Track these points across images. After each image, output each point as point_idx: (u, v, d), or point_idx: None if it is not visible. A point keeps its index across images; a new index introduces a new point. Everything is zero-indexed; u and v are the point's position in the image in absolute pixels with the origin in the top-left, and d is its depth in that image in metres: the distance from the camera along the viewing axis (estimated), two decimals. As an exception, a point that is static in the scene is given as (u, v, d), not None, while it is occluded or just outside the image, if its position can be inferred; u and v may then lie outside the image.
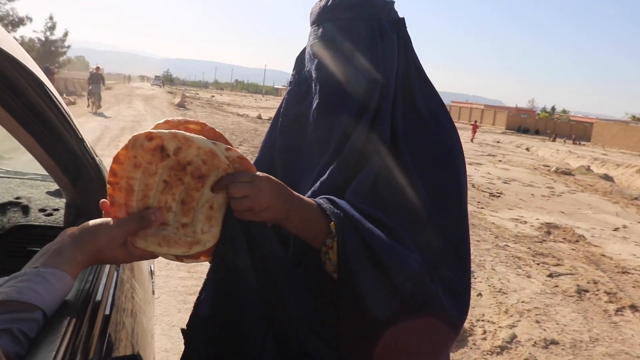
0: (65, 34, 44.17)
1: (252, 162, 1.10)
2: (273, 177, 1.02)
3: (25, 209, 1.79)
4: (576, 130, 58.32)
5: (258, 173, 0.99)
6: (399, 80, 1.22)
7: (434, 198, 1.15)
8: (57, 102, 1.33)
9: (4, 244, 1.69)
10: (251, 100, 67.88)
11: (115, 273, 1.47)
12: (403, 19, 1.26)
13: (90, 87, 23.37)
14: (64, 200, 1.82)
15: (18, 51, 1.01)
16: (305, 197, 1.06)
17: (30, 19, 37.91)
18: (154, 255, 1.02)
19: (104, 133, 15.50)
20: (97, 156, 1.71)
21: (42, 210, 1.81)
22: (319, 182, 1.16)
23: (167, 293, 4.49)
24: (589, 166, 21.76)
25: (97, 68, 26.10)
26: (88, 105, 23.44)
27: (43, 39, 41.89)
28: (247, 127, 23.55)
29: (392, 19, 1.24)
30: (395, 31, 1.23)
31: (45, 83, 1.23)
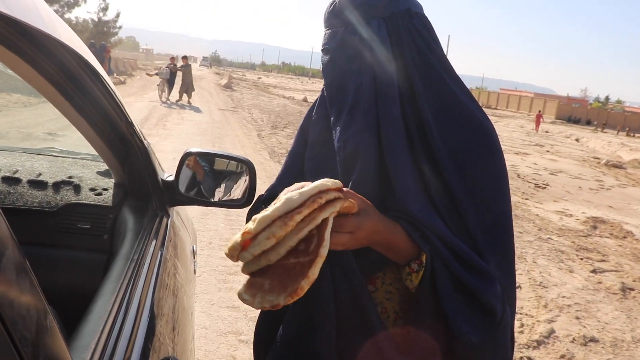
0: (117, 15, 45.12)
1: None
2: (371, 216, 1.04)
3: (77, 188, 1.88)
4: (631, 122, 56.31)
5: (360, 211, 1.03)
6: (416, 79, 1.17)
7: (473, 199, 1.14)
8: (110, 89, 1.40)
9: (57, 220, 1.78)
10: (297, 83, 67.97)
11: (159, 252, 1.53)
12: (407, 9, 1.19)
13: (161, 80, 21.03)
14: (112, 180, 1.90)
15: (75, 41, 1.07)
16: (391, 221, 1.08)
17: (85, 1, 38.85)
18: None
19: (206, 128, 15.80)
20: (145, 139, 1.78)
21: (92, 189, 1.89)
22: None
23: (208, 272, 4.60)
24: (642, 160, 21.01)
25: (185, 58, 23.02)
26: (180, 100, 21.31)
27: (96, 19, 42.92)
28: (292, 109, 23.66)
29: (389, 13, 1.18)
30: (394, 26, 1.17)
31: (100, 72, 1.30)
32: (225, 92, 31.30)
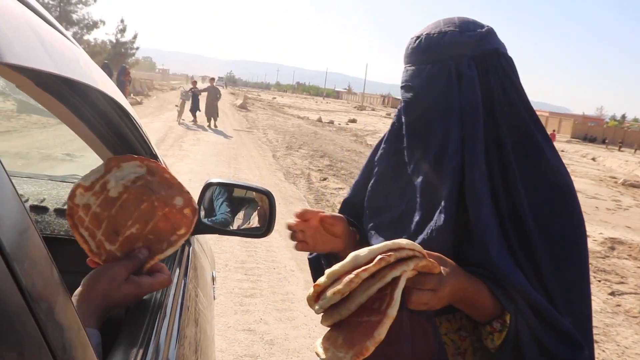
0: (135, 36, 45.85)
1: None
2: (454, 274, 1.04)
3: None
4: (649, 140, 55.75)
5: (442, 270, 1.02)
6: (501, 120, 1.14)
7: (550, 253, 1.12)
8: (137, 124, 1.46)
9: (76, 246, 1.83)
10: (312, 103, 68.43)
11: (183, 281, 1.58)
12: (495, 49, 1.16)
13: (205, 101, 20.82)
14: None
15: (109, 85, 1.14)
16: (474, 278, 1.07)
17: (104, 22, 39.61)
18: (163, 284, 1.12)
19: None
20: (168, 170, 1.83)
21: (116, 217, 1.95)
22: (420, 239, 1.14)
23: (225, 294, 4.64)
24: (660, 179, 20.79)
25: (212, 80, 23.21)
26: (205, 124, 20.72)
27: (114, 40, 43.64)
28: (307, 130, 23.80)
29: (478, 52, 1.14)
30: (482, 65, 1.14)
31: (127, 108, 1.36)
32: (241, 112, 31.60)
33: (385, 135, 1.35)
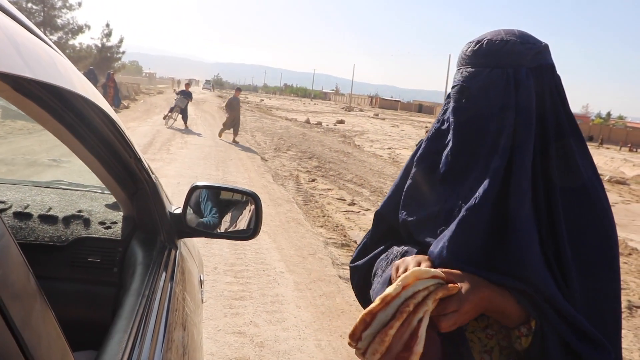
0: (121, 41, 45.61)
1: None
2: (478, 289, 1.09)
3: (87, 222, 1.92)
4: (633, 137, 56.33)
5: (462, 287, 1.08)
6: (549, 131, 1.19)
7: (584, 275, 1.15)
8: (120, 129, 1.45)
9: (68, 254, 1.82)
10: (300, 105, 68.40)
11: (169, 286, 1.57)
12: (551, 64, 1.21)
13: (175, 105, 20.04)
14: (121, 213, 1.95)
15: (89, 89, 1.12)
16: (498, 288, 1.11)
17: (89, 27, 39.33)
18: None
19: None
20: (153, 173, 1.83)
21: (101, 223, 1.94)
22: (447, 242, 1.16)
23: (214, 298, 4.62)
24: (645, 175, 20.99)
25: (188, 85, 22.56)
26: (165, 117, 20.02)
27: (100, 45, 43.38)
28: (295, 131, 23.79)
29: (535, 64, 1.19)
30: (538, 77, 1.18)
31: (108, 112, 1.35)
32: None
33: (421, 140, 1.38)
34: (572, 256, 1.14)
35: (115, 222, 1.95)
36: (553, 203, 1.15)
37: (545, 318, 1.09)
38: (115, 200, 1.94)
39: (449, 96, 1.31)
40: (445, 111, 1.30)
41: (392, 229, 1.40)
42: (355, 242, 7.13)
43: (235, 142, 17.30)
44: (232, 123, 18.29)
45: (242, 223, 2.00)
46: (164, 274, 1.58)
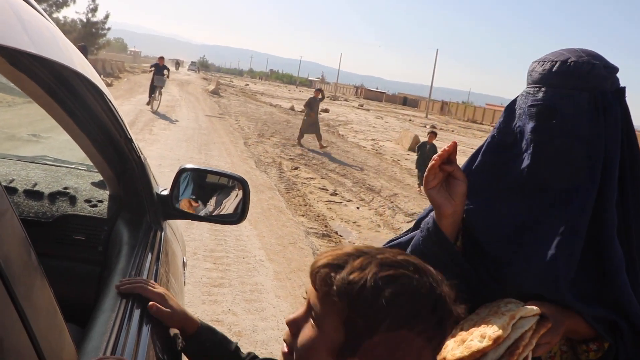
0: (106, 16, 44.93)
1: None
2: (562, 321, 1.14)
3: (72, 199, 1.91)
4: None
5: (554, 320, 1.13)
6: (626, 158, 1.20)
7: None
8: (112, 107, 1.44)
9: (53, 231, 1.81)
10: (285, 91, 68.11)
11: (155, 267, 1.57)
12: (624, 88, 1.21)
13: (153, 81, 18.62)
14: (107, 192, 1.94)
15: (85, 65, 1.12)
16: (572, 313, 1.16)
17: (74, 1, 38.63)
18: None
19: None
20: (142, 154, 1.82)
21: (87, 201, 1.92)
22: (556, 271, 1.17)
23: (193, 284, 4.59)
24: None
25: (162, 58, 20.27)
26: (149, 103, 18.71)
27: (85, 20, 42.67)
28: (279, 118, 23.73)
29: (614, 88, 1.19)
30: (618, 102, 1.19)
31: (103, 90, 1.34)
32: (213, 98, 31.28)
33: (479, 148, 1.37)
34: None
35: (101, 201, 1.94)
36: (630, 240, 1.19)
37: (623, 341, 1.16)
38: (102, 178, 1.93)
39: (508, 107, 1.31)
40: (507, 123, 1.30)
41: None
42: (336, 232, 7.16)
43: (323, 148, 15.12)
44: (312, 127, 15.53)
45: (228, 207, 2.01)
46: (150, 255, 1.58)
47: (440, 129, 31.70)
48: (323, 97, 16.43)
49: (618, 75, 1.22)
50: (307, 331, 0.86)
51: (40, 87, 1.25)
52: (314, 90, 17.57)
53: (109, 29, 46.13)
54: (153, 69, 19.28)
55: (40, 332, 0.57)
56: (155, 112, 17.72)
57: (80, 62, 1.06)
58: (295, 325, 0.89)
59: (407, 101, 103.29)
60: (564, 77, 1.17)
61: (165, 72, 19.15)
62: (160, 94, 18.97)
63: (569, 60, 1.17)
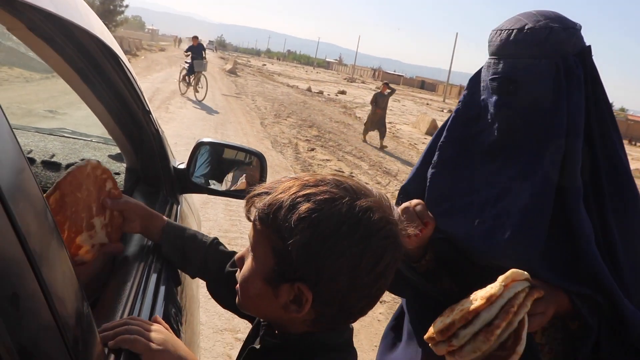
0: (125, -7, 44.94)
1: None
2: (555, 295, 1.12)
3: (90, 171, 1.91)
4: (633, 131, 56.32)
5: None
6: (593, 122, 1.15)
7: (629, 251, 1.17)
8: (132, 78, 1.43)
9: None
10: (302, 72, 67.88)
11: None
12: (589, 47, 1.16)
13: (187, 66, 16.52)
14: (124, 165, 1.93)
15: (104, 32, 1.10)
16: (560, 292, 1.14)
17: (93, -23, 38.67)
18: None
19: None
20: (160, 128, 1.81)
21: (105, 173, 1.92)
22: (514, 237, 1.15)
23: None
24: (642, 168, 21.05)
25: (195, 38, 17.77)
26: (184, 93, 16.71)
27: (103, -3, 42.73)
28: (296, 99, 23.64)
29: (577, 50, 1.14)
30: (582, 64, 1.14)
31: (122, 58, 1.33)
32: (230, 77, 31.24)
33: (446, 121, 1.33)
34: (625, 250, 1.15)
35: (118, 174, 1.94)
36: (604, 207, 1.15)
37: (604, 321, 1.14)
38: (120, 151, 1.92)
39: (473, 78, 1.27)
40: (471, 95, 1.26)
41: None
42: (350, 213, 7.13)
43: (383, 148, 13.66)
44: (377, 124, 14.13)
45: (243, 183, 1.99)
46: None
47: (458, 113, 31.36)
48: (392, 92, 14.87)
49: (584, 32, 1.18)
50: (246, 263, 0.87)
51: (59, 54, 1.24)
52: (382, 83, 15.44)
53: (126, 6, 46.20)
54: (189, 53, 16.80)
55: (55, 290, 0.57)
56: (199, 102, 15.94)
57: (100, 28, 1.05)
58: (241, 262, 0.89)
59: (424, 85, 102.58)
60: (522, 46, 1.13)
61: (203, 53, 16.95)
62: (206, 80, 16.79)
63: (526, 27, 1.13)
